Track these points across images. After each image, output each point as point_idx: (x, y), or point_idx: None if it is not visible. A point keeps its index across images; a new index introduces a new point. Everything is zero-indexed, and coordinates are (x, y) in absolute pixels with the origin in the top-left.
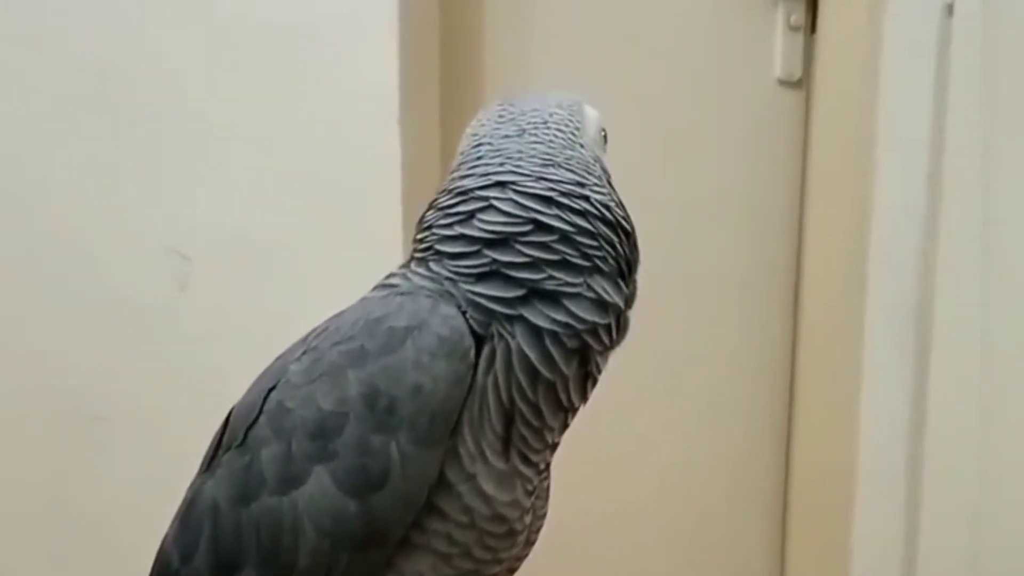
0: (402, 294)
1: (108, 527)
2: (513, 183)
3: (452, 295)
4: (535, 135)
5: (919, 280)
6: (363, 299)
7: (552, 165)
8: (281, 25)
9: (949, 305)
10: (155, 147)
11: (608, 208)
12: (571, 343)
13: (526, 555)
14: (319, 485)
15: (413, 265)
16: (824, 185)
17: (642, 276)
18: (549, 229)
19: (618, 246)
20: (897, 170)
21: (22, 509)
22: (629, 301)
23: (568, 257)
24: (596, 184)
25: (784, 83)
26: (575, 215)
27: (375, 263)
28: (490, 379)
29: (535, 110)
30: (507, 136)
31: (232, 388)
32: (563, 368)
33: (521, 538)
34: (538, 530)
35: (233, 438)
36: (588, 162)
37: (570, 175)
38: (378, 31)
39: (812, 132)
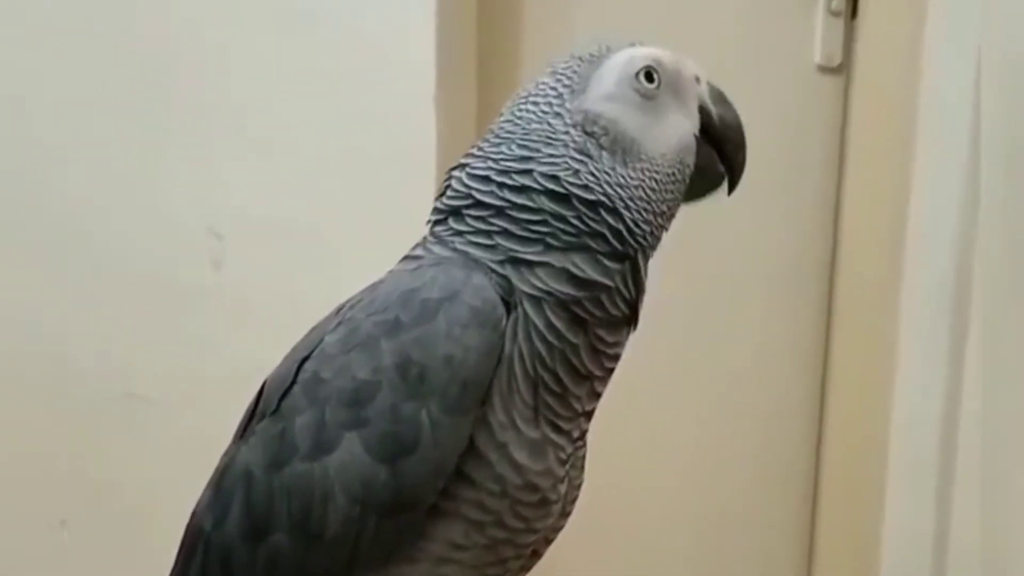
0: (434, 265)
1: (142, 504)
2: (467, 164)
3: (478, 262)
4: (512, 113)
5: (957, 269)
6: (393, 272)
7: (506, 142)
8: (319, 7)
9: (986, 295)
10: (192, 128)
11: (556, 179)
12: (561, 312)
13: (562, 526)
14: (350, 451)
15: (430, 236)
16: (862, 172)
17: (678, 263)
18: (484, 205)
19: (577, 219)
20: (937, 157)
21: (57, 485)
22: (626, 279)
23: (509, 229)
24: (552, 157)
25: (824, 69)
26: (510, 191)
27: (409, 244)
28: (516, 348)
29: (531, 81)
30: (500, 114)
31: (266, 366)
32: (568, 336)
33: (556, 508)
34: (574, 500)
35: (267, 407)
36: (555, 132)
37: (520, 151)
38: (415, 13)
39: (851, 119)
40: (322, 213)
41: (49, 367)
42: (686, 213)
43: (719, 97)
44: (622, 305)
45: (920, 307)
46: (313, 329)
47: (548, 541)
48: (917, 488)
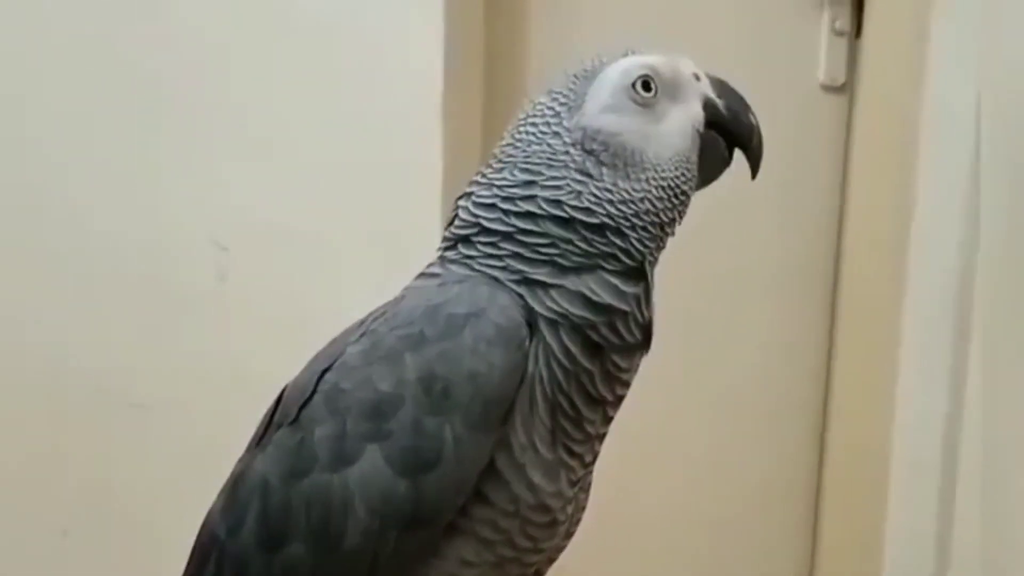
0: (459, 282)
1: (144, 513)
2: (472, 192)
3: (499, 282)
4: (512, 136)
5: (958, 284)
6: (414, 287)
7: (508, 167)
8: (324, 13)
9: (988, 300)
10: (196, 137)
11: (558, 203)
12: (577, 337)
13: (565, 546)
14: (371, 464)
15: (448, 257)
16: (866, 190)
17: (684, 275)
18: (492, 232)
19: (583, 242)
20: (939, 175)
21: (59, 494)
22: (639, 301)
23: (519, 252)
24: (554, 179)
25: (828, 88)
26: (516, 217)
27: (415, 253)
28: (537, 371)
29: (529, 102)
30: (502, 138)
31: (271, 376)
32: (583, 362)
33: (562, 528)
34: (578, 521)
35: (285, 417)
36: (555, 153)
37: (522, 175)
38: (422, 17)
39: (855, 137)
40: (327, 220)
41: (52, 376)
42: (693, 225)
43: (722, 87)
44: (636, 331)
45: (923, 319)
46: (334, 341)
47: (551, 560)
48: (920, 489)
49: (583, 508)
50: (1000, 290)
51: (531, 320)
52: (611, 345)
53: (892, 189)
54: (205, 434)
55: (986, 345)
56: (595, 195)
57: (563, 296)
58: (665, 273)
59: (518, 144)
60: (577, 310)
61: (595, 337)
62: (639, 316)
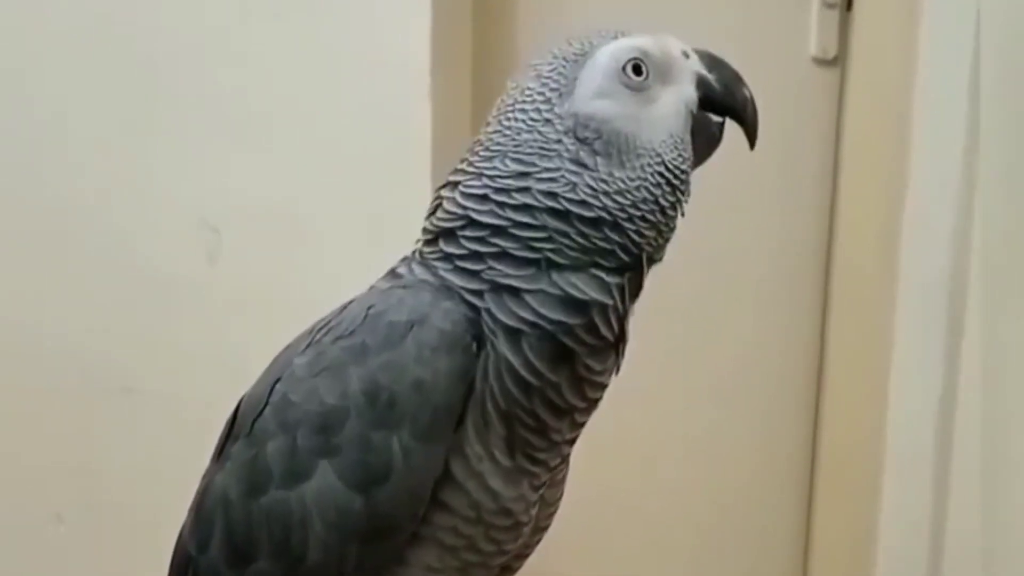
0: (404, 287)
1: (138, 498)
2: (458, 182)
3: (451, 290)
4: (500, 123)
5: (952, 261)
6: (369, 290)
7: (498, 156)
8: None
9: (983, 288)
10: (187, 120)
11: (554, 196)
12: (547, 346)
13: (537, 541)
14: (325, 480)
15: (418, 256)
16: (858, 164)
17: (673, 257)
18: (481, 225)
19: (580, 237)
20: (933, 149)
21: (53, 480)
22: (622, 292)
23: (509, 250)
24: (548, 171)
25: (819, 61)
26: (511, 210)
27: (403, 238)
28: (487, 387)
29: (515, 87)
30: (487, 124)
31: (260, 361)
32: (548, 374)
33: (527, 529)
34: (550, 516)
35: (241, 428)
36: (547, 142)
37: (515, 166)
38: (411, 3)
39: (847, 111)
40: (317, 205)
41: (44, 361)
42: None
43: (713, 61)
44: (615, 323)
45: (916, 301)
46: (286, 348)
47: (522, 557)
48: (913, 481)
49: (553, 503)
50: (994, 274)
51: (479, 334)
52: (586, 348)
53: (885, 164)
54: (195, 417)
55: (981, 334)
56: (590, 187)
57: (539, 300)
58: None
59: (507, 132)
60: (554, 314)
61: (569, 342)
62: (620, 307)
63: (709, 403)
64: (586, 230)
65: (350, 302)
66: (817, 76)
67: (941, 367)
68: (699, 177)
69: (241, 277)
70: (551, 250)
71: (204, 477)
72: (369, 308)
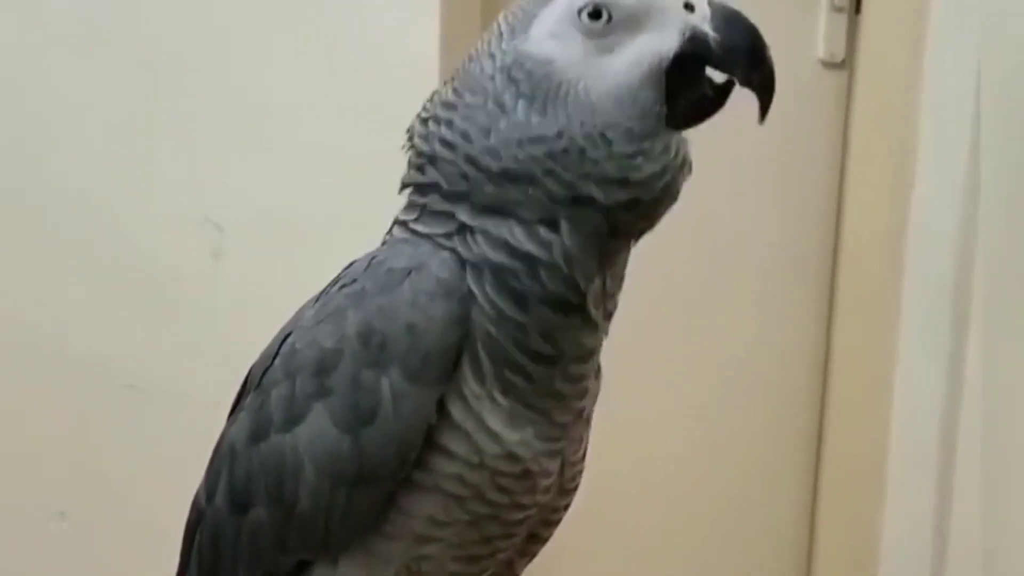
0: (405, 240)
1: (141, 495)
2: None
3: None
4: (468, 55)
5: (958, 263)
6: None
7: (448, 83)
8: None
9: (987, 288)
10: (191, 118)
11: (467, 137)
12: (501, 284)
13: (566, 506)
14: (317, 422)
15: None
16: (865, 167)
17: (677, 254)
18: (420, 153)
19: (491, 184)
20: (939, 152)
21: (56, 477)
22: (568, 254)
23: (439, 183)
24: (469, 108)
25: (827, 64)
26: (438, 142)
27: None
28: (478, 327)
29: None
30: None
31: None
32: (509, 313)
33: (546, 483)
34: (575, 476)
35: (252, 382)
36: (482, 75)
37: (451, 96)
38: (419, 3)
39: (854, 114)
40: (322, 204)
41: (48, 358)
42: (686, 202)
43: (725, 20)
44: (559, 283)
45: (921, 302)
46: (304, 305)
47: (548, 523)
48: (917, 482)
49: (580, 462)
50: (999, 275)
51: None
52: (535, 295)
53: (891, 166)
54: (199, 415)
55: (985, 333)
56: (503, 135)
57: (486, 240)
58: (657, 253)
59: (465, 60)
60: (497, 256)
61: (517, 285)
62: (563, 267)
63: (714, 402)
64: (497, 178)
65: (357, 259)
66: (825, 79)
67: (945, 368)
68: (706, 178)
69: (245, 275)
70: (468, 191)
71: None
72: (373, 258)
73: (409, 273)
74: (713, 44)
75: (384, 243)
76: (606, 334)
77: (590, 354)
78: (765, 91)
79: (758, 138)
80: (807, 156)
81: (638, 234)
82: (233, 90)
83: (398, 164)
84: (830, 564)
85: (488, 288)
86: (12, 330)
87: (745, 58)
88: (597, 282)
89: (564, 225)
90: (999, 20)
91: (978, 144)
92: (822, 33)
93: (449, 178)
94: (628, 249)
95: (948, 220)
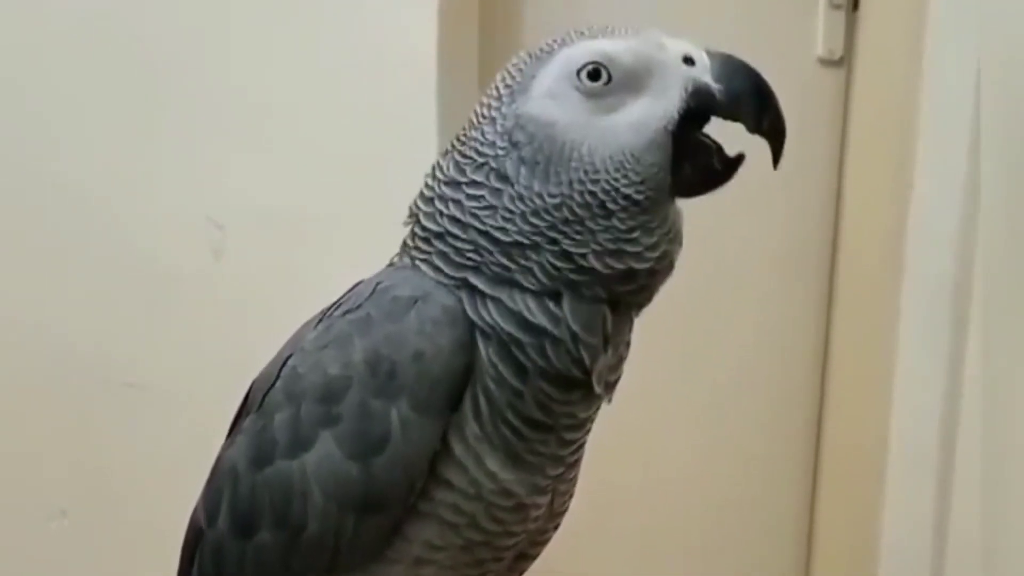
0: (406, 267)
1: (141, 493)
2: (430, 173)
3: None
4: (469, 117)
5: (957, 262)
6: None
7: (450, 153)
8: None
9: (987, 287)
10: (192, 118)
11: (476, 216)
12: (504, 352)
13: (555, 527)
14: (325, 449)
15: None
16: (863, 165)
17: (680, 254)
18: (425, 229)
19: (503, 255)
20: (938, 150)
21: (57, 475)
22: (573, 332)
23: (450, 255)
24: (474, 184)
25: (825, 62)
26: (447, 219)
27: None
28: (480, 369)
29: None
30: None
31: (264, 357)
32: (512, 381)
33: (536, 512)
34: (565, 501)
35: (253, 404)
36: (483, 143)
37: (453, 172)
38: (417, 4)
39: (852, 112)
40: (322, 204)
41: (48, 357)
42: (685, 206)
43: (726, 69)
44: (565, 359)
45: (921, 301)
46: (304, 326)
47: (537, 544)
48: (917, 481)
49: (565, 492)
50: (999, 274)
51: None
52: (538, 368)
53: (890, 164)
54: (199, 413)
55: (985, 333)
56: (508, 208)
57: (498, 309)
58: None
59: (466, 128)
60: (508, 327)
61: (521, 358)
62: (571, 346)
63: (714, 401)
64: (507, 250)
65: (360, 282)
66: (823, 77)
67: (945, 367)
68: None
69: (246, 274)
70: (481, 263)
71: (219, 452)
72: (377, 284)
73: (415, 302)
74: (717, 95)
75: (390, 264)
76: (609, 402)
77: (586, 422)
78: (775, 137)
79: (756, 136)
80: (806, 154)
81: (638, 307)
82: (233, 90)
83: (398, 164)
84: (830, 563)
85: (492, 353)
86: (12, 329)
87: (751, 105)
88: (602, 358)
89: (566, 296)
90: (999, 18)
91: (978, 143)
92: (820, 30)
93: (460, 252)
94: (631, 321)
95: (948, 219)
